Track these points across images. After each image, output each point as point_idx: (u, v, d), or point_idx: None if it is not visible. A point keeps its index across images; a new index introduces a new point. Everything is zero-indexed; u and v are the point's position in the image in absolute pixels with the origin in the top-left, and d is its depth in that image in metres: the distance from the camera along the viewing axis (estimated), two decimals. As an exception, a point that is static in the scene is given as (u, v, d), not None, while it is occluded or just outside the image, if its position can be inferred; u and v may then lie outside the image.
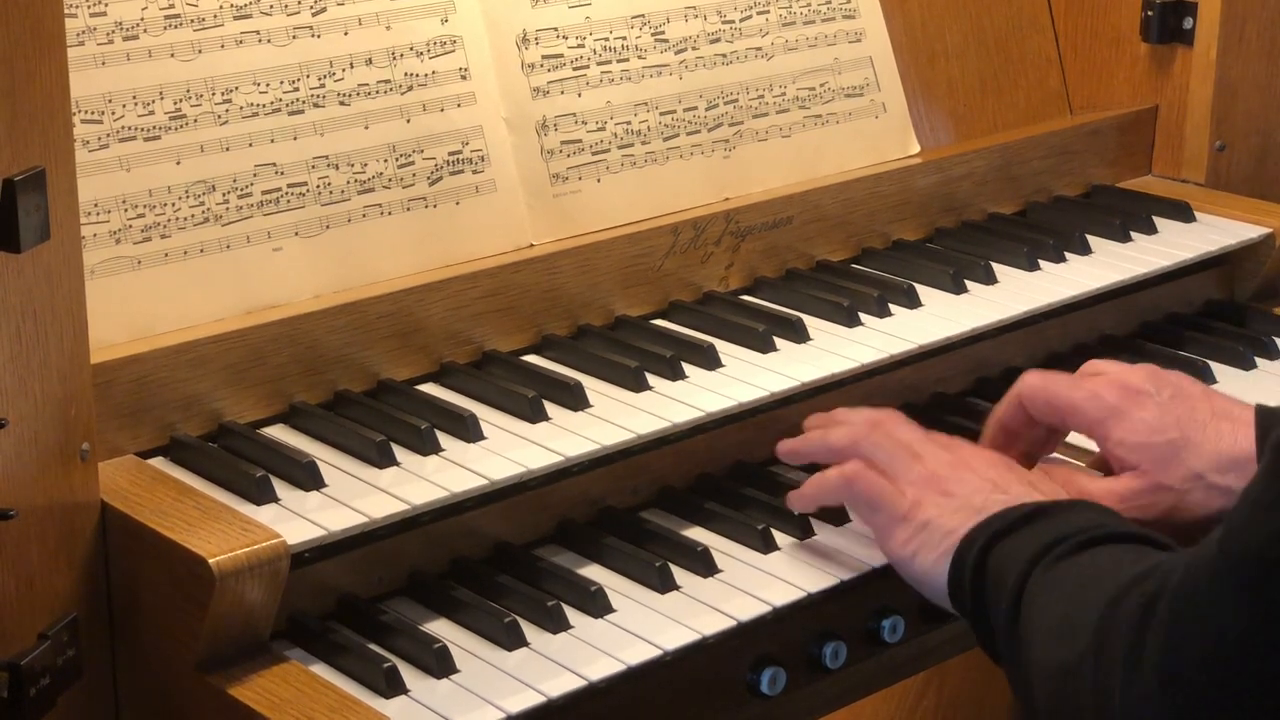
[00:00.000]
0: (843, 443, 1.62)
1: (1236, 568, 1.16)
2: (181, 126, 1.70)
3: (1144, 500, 1.61)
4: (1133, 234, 2.18)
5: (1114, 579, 1.31)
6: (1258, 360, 2.06)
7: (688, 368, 1.78)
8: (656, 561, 1.59)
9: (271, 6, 1.76)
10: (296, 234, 1.75)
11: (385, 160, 1.81)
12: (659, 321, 1.90)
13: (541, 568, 1.60)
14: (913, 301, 1.95)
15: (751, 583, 1.58)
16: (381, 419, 1.66)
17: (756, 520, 1.66)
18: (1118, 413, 1.64)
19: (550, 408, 1.69)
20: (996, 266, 2.04)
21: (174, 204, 1.68)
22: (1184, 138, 2.36)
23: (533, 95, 1.91)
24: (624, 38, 1.99)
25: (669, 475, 1.75)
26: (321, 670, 1.46)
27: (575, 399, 1.70)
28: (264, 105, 1.74)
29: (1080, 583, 1.35)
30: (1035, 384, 1.68)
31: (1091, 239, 2.15)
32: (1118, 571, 1.32)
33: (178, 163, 1.69)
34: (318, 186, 1.76)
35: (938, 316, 1.93)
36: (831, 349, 1.84)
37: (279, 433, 1.66)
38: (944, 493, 1.53)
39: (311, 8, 1.78)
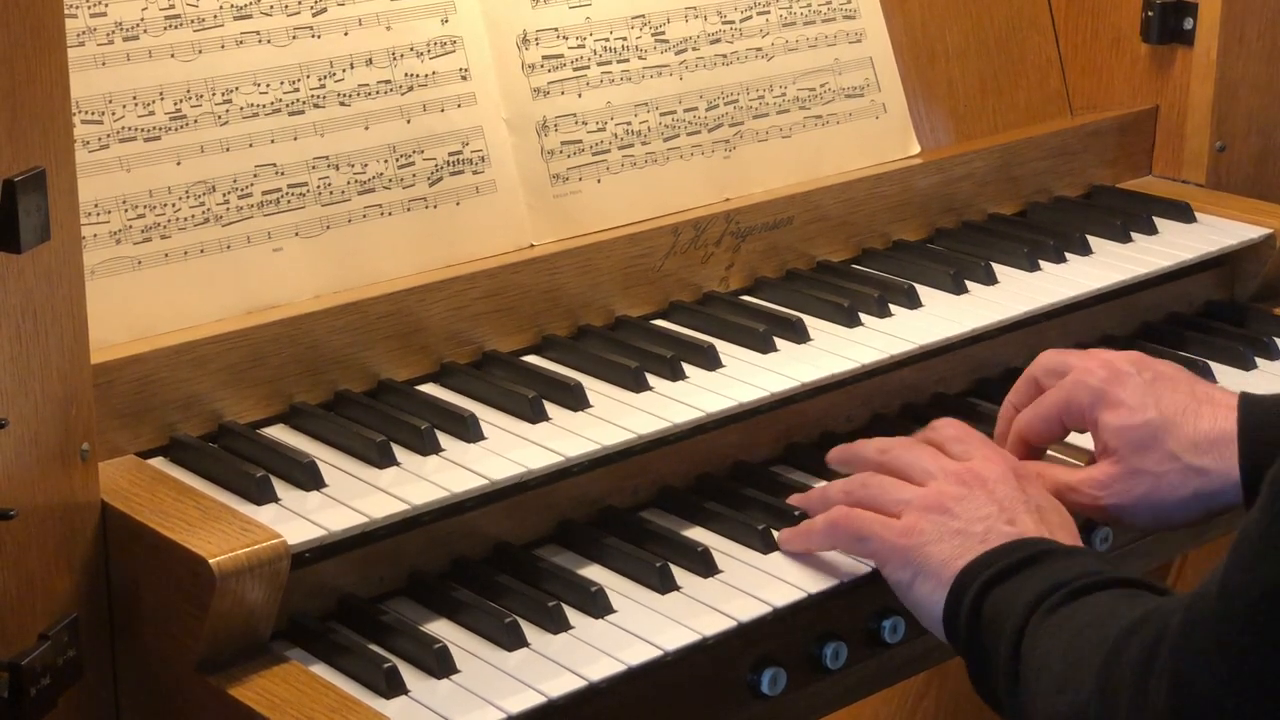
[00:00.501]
0: (838, 496, 1.62)
1: (1239, 609, 1.15)
2: (181, 127, 1.70)
3: (1121, 486, 1.63)
4: (1133, 234, 2.18)
5: (1113, 624, 1.30)
6: (1258, 360, 2.06)
7: (688, 368, 1.78)
8: (657, 561, 1.59)
9: (271, 7, 1.76)
10: (297, 234, 1.75)
11: (385, 160, 1.81)
12: (659, 322, 1.90)
13: (542, 568, 1.60)
14: (913, 302, 1.95)
15: (752, 583, 1.58)
16: (382, 419, 1.66)
17: (757, 520, 1.66)
18: (1101, 397, 1.65)
19: (550, 408, 1.69)
20: (997, 267, 2.04)
21: (174, 204, 1.68)
22: (1184, 138, 2.36)
23: (533, 95, 1.91)
24: (624, 38, 1.99)
25: (669, 475, 1.75)
26: (322, 670, 1.46)
27: (575, 399, 1.70)
28: (264, 105, 1.74)
29: (1078, 630, 1.34)
30: (1047, 363, 1.72)
31: (1092, 239, 2.15)
32: (1115, 618, 1.31)
33: (178, 163, 1.69)
34: (318, 187, 1.76)
35: (938, 317, 1.93)
36: (832, 349, 1.84)
37: (279, 433, 1.66)
38: (943, 510, 1.51)
39: (311, 8, 1.78)
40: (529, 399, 1.68)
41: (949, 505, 1.52)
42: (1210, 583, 1.18)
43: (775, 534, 1.63)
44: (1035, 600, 1.39)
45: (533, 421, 1.67)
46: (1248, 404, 1.61)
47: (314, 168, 1.76)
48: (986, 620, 1.43)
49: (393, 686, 1.43)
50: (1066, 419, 1.69)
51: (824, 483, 1.75)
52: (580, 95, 1.94)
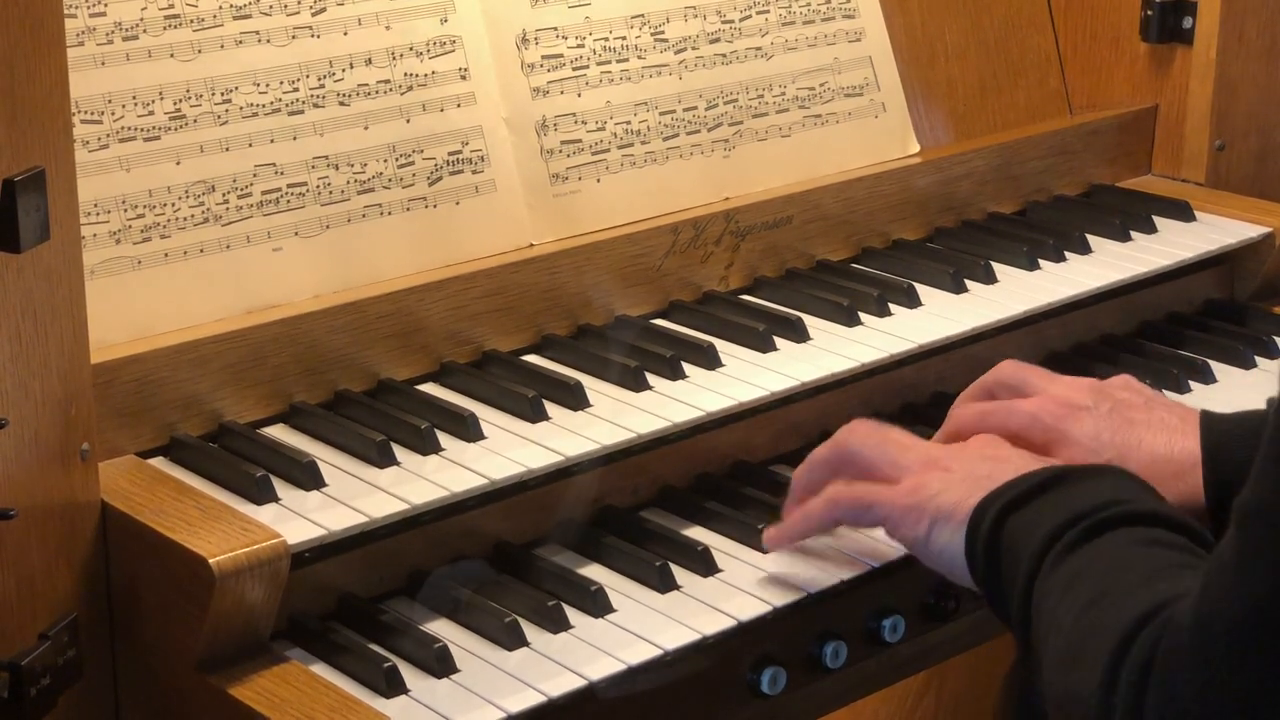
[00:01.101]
0: (826, 450, 1.58)
1: (1215, 638, 1.13)
2: (181, 127, 1.70)
3: None
4: (1133, 233, 2.18)
5: (1129, 603, 1.25)
6: (1258, 359, 2.06)
7: (688, 367, 1.78)
8: (656, 561, 1.59)
9: (271, 7, 1.76)
10: (296, 234, 1.75)
11: (385, 160, 1.81)
12: (659, 321, 1.90)
13: (541, 567, 1.60)
14: (913, 301, 1.95)
15: (751, 582, 1.58)
16: (381, 419, 1.66)
17: (757, 520, 1.66)
18: (1057, 436, 1.61)
19: (550, 407, 1.69)
20: (996, 266, 2.04)
21: (174, 204, 1.68)
22: (1184, 137, 2.36)
23: (532, 95, 1.91)
24: (624, 38, 1.99)
25: (669, 475, 1.75)
26: (322, 670, 1.46)
27: (575, 399, 1.70)
28: (264, 105, 1.74)
29: (1092, 597, 1.29)
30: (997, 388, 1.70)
31: (1091, 239, 2.15)
32: (1131, 594, 1.27)
33: (177, 163, 1.69)
34: (318, 186, 1.76)
35: (938, 316, 1.93)
36: (831, 348, 1.84)
37: (279, 433, 1.66)
38: (944, 469, 1.49)
39: (311, 8, 1.78)
40: (529, 398, 1.68)
41: (947, 463, 1.50)
42: (1188, 611, 1.16)
43: (764, 534, 1.61)
44: (1051, 535, 1.35)
45: (532, 421, 1.67)
46: (1209, 422, 1.57)
47: (313, 167, 1.76)
48: (1005, 549, 1.39)
49: (393, 686, 1.43)
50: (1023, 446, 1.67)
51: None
52: (580, 95, 1.94)
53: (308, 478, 1.56)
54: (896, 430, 1.58)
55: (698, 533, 1.67)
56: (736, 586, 1.58)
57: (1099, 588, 1.29)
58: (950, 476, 1.48)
